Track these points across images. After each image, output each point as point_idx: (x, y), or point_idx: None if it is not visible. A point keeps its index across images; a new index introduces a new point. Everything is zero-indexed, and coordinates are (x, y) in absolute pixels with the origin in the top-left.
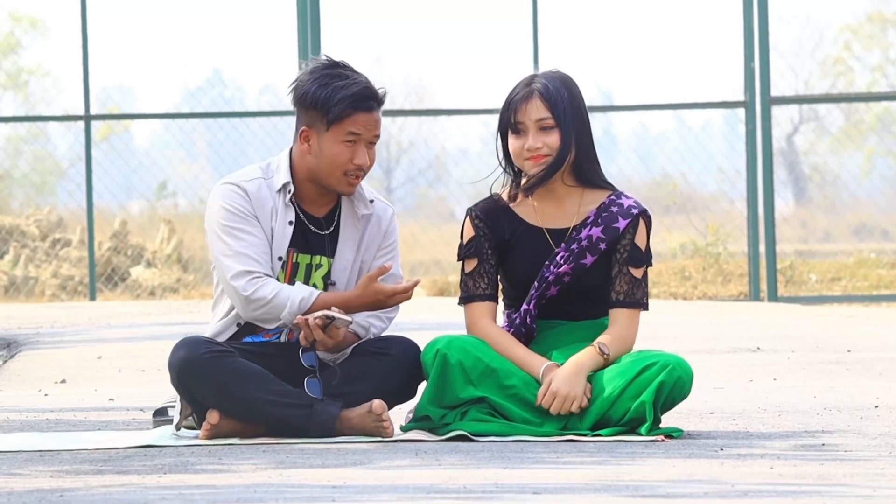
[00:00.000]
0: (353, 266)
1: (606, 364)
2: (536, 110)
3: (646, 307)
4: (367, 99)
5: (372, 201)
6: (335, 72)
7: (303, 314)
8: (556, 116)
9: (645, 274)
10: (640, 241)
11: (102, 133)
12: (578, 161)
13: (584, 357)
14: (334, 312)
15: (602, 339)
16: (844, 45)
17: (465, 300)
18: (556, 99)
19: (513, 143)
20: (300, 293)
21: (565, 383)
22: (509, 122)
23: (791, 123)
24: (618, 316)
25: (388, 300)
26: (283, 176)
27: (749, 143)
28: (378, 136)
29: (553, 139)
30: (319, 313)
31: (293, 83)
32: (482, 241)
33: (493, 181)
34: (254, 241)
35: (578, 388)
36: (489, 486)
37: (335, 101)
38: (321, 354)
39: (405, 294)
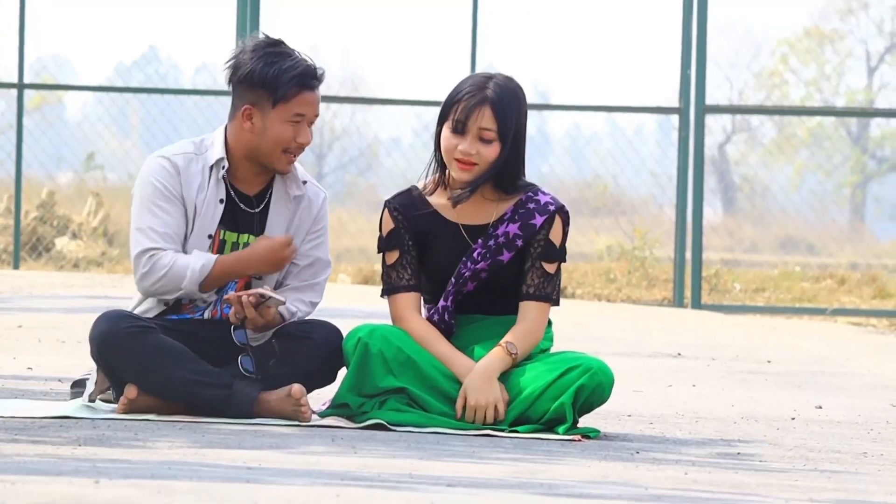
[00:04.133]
0: None
1: (515, 361)
2: (483, 119)
3: (556, 302)
4: (311, 78)
5: (305, 182)
6: (278, 50)
7: (204, 286)
8: (499, 131)
9: (558, 270)
10: (555, 237)
11: (35, 102)
12: (503, 174)
13: (493, 359)
14: (268, 291)
15: (509, 337)
16: (781, 59)
17: (388, 291)
18: (505, 114)
19: (448, 138)
20: (199, 260)
21: (480, 393)
22: (451, 117)
23: (724, 133)
24: (527, 309)
25: (282, 251)
26: (218, 152)
27: (681, 150)
28: (318, 116)
29: (488, 151)
30: (253, 291)
31: (230, 60)
32: (402, 233)
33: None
34: (169, 220)
35: (492, 393)
36: (404, 476)
37: (283, 80)
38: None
39: (292, 247)
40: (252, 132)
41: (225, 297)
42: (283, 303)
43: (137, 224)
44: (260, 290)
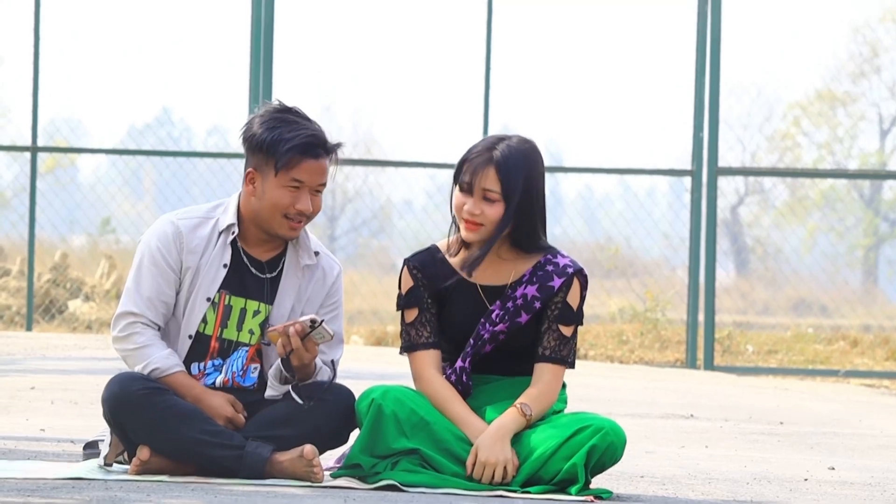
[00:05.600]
0: (291, 315)
1: (529, 423)
2: (487, 179)
3: (571, 365)
4: (314, 147)
5: (317, 253)
6: (285, 117)
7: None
8: (503, 192)
9: (574, 333)
10: (572, 299)
11: (48, 165)
12: (517, 234)
13: (507, 419)
14: (318, 318)
15: (524, 398)
16: (793, 121)
17: (407, 349)
18: (510, 175)
19: (457, 196)
20: (160, 362)
21: (491, 451)
22: (459, 177)
23: (736, 195)
24: (542, 372)
25: (227, 412)
26: (230, 217)
27: (694, 212)
28: (324, 185)
29: (493, 211)
30: (302, 319)
31: (244, 125)
32: (421, 291)
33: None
34: (155, 286)
35: (503, 453)
36: None
37: (283, 147)
38: (268, 392)
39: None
40: (254, 196)
41: (269, 329)
42: (332, 337)
43: (129, 282)
44: (311, 316)
